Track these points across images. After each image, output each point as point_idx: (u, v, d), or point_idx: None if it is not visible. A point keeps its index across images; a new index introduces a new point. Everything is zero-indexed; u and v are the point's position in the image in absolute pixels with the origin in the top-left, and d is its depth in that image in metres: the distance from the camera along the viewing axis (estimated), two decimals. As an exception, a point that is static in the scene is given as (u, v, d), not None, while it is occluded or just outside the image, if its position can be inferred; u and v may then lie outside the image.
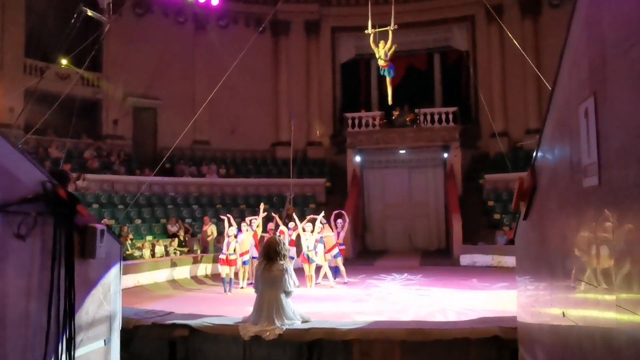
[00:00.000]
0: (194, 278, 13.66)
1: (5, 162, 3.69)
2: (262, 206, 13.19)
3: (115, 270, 4.89)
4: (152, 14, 21.22)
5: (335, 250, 12.18)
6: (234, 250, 11.40)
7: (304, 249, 11.81)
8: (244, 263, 11.95)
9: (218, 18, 22.19)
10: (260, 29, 19.53)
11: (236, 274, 11.88)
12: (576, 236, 2.66)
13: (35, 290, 3.88)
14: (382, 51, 13.20)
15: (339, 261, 12.26)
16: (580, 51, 2.53)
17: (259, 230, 12.60)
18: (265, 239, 9.69)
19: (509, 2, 21.14)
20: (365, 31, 13.74)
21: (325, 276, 12.18)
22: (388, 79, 13.88)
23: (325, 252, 11.93)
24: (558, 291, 3.14)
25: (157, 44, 20.57)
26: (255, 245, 12.27)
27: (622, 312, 2.04)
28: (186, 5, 20.88)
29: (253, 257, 12.10)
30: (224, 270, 11.31)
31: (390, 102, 14.60)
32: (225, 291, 11.23)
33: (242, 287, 11.73)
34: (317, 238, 11.78)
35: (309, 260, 11.72)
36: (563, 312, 2.94)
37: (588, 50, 2.40)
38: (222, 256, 11.53)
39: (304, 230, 11.91)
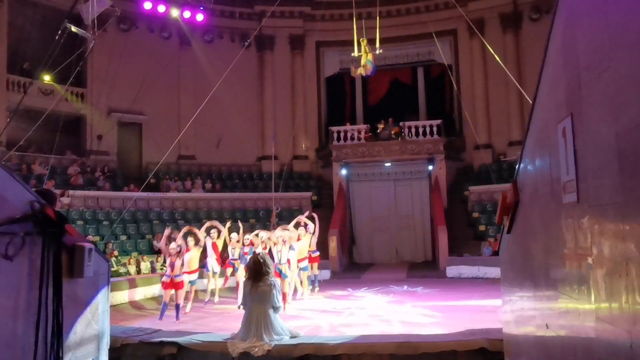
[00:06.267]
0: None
1: (-7, 183, 3.70)
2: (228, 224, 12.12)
3: (103, 289, 4.88)
4: (137, 29, 21.22)
5: (304, 263, 11.34)
6: (180, 272, 9.69)
7: (276, 261, 10.29)
8: (190, 283, 10.39)
9: (203, 33, 22.28)
10: (246, 44, 19.75)
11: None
12: (557, 250, 2.75)
13: (23, 311, 3.86)
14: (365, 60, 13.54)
15: (304, 275, 11.44)
16: (558, 73, 2.64)
17: (220, 243, 11.60)
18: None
19: (490, 17, 21.56)
20: (352, 54, 14.02)
21: (295, 292, 11.26)
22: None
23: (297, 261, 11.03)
24: (541, 303, 3.22)
25: (142, 60, 20.56)
26: (217, 259, 11.43)
27: (601, 323, 2.12)
28: (171, 20, 20.94)
29: (214, 272, 11.45)
30: (168, 295, 9.61)
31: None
32: (160, 318, 9.39)
33: (186, 312, 10.28)
34: (289, 245, 10.59)
35: (280, 274, 10.13)
36: (547, 324, 3.03)
37: (564, 72, 2.50)
38: (165, 278, 9.70)
39: (274, 243, 10.62)
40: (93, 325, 4.71)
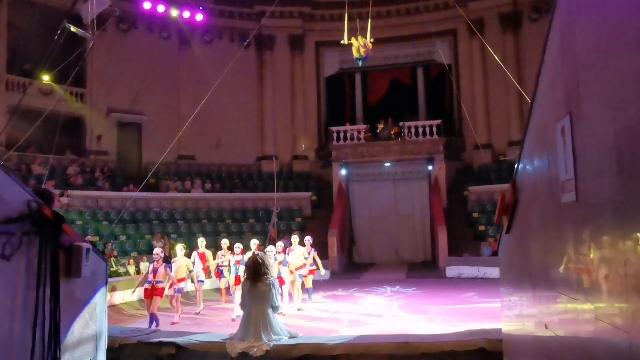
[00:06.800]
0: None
1: (-10, 182, 3.68)
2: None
3: (101, 289, 4.86)
4: (137, 29, 21.22)
5: (301, 270, 10.86)
6: (163, 279, 9.24)
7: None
8: (176, 291, 9.83)
9: (202, 33, 22.28)
10: (245, 44, 19.72)
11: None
12: (556, 250, 2.73)
13: (20, 311, 3.84)
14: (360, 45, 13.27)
15: (298, 282, 10.84)
16: (556, 72, 2.62)
17: (208, 253, 11.43)
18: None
19: (489, 17, 21.55)
20: (341, 41, 13.77)
21: (290, 298, 10.84)
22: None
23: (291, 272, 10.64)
24: (540, 303, 3.20)
25: (142, 60, 20.56)
26: (204, 268, 11.21)
27: (600, 324, 2.10)
28: (171, 20, 20.93)
29: (199, 281, 11.08)
30: (155, 304, 9.04)
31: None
32: (157, 326, 8.61)
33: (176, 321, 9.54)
34: (280, 260, 10.25)
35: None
36: (545, 324, 3.01)
37: (563, 71, 2.49)
38: (147, 285, 9.25)
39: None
40: (91, 325, 4.69)
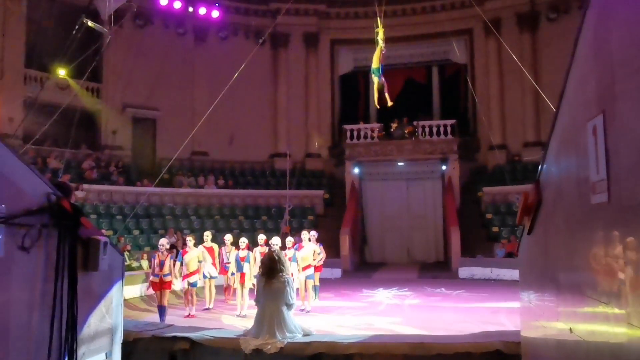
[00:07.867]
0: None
1: (11, 174, 3.69)
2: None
3: (117, 282, 4.87)
4: (153, 25, 21.32)
5: (310, 271, 10.56)
6: (170, 271, 9.30)
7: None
8: (191, 285, 9.93)
9: (218, 30, 22.33)
10: (260, 41, 19.72)
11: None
12: (584, 252, 2.67)
13: (39, 303, 3.86)
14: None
15: (309, 283, 10.55)
16: (588, 69, 2.55)
17: (216, 247, 11.12)
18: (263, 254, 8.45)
19: (506, 16, 21.33)
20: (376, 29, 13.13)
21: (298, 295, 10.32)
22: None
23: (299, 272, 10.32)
24: (565, 306, 3.14)
25: (157, 55, 20.65)
26: (213, 263, 10.83)
27: (634, 329, 2.04)
28: (187, 17, 20.99)
29: (212, 277, 10.75)
30: (164, 297, 9.18)
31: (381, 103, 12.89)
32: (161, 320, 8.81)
33: (188, 315, 9.70)
34: (289, 256, 9.84)
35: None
36: (570, 328, 2.94)
37: (596, 68, 2.42)
38: (153, 278, 9.34)
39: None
40: (107, 319, 4.70)
